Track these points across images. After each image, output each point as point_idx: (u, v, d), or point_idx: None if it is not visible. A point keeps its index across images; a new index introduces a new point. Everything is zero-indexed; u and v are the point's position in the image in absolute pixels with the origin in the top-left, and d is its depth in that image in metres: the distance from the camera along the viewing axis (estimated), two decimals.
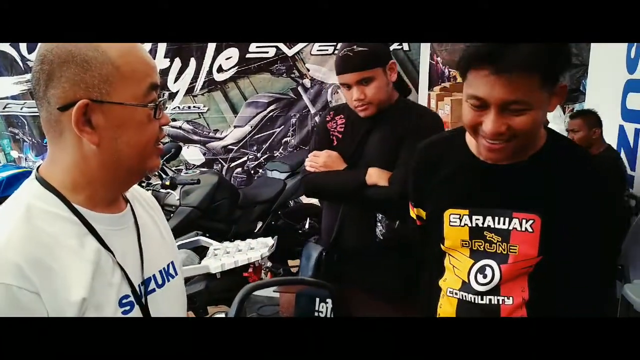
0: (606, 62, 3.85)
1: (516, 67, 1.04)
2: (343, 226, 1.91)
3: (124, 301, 0.87)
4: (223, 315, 2.32)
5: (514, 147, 1.14)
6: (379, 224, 1.85)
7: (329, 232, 1.94)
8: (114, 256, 0.87)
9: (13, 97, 4.88)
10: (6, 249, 0.76)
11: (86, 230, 0.85)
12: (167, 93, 4.87)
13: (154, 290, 0.95)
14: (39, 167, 0.89)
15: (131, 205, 0.97)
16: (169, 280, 1.00)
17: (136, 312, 0.90)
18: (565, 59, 1.10)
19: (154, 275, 0.96)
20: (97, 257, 0.85)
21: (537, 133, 1.19)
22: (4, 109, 4.96)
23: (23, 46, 4.78)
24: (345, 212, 1.90)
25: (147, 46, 4.44)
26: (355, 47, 1.76)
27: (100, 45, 0.82)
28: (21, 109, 4.93)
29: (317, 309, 1.33)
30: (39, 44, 0.84)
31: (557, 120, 4.99)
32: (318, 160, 1.89)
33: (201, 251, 2.95)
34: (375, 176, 1.78)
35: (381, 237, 1.85)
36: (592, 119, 3.59)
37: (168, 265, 1.01)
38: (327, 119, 2.00)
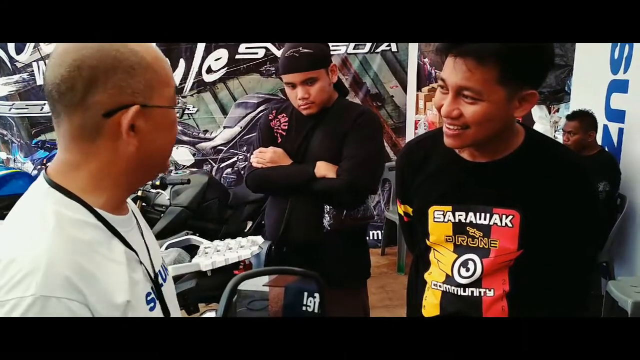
0: (590, 62, 3.89)
1: (473, 53, 1.07)
2: (291, 219, 1.97)
3: (148, 298, 0.89)
4: (214, 313, 2.35)
5: (473, 138, 1.16)
6: (326, 215, 1.94)
7: (277, 227, 2.01)
8: (137, 255, 0.88)
9: (0, 99, 4.85)
10: (52, 261, 0.74)
11: (111, 234, 0.85)
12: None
13: (162, 284, 0.96)
14: (46, 170, 0.87)
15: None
16: (167, 275, 1.02)
17: (157, 308, 0.91)
18: (533, 62, 1.11)
19: (159, 271, 0.97)
20: (126, 258, 0.85)
21: (497, 128, 1.17)
22: None
23: (11, 47, 4.75)
24: (293, 205, 1.97)
25: None
26: (300, 48, 1.84)
27: (138, 51, 0.82)
28: (9, 110, 4.90)
29: (305, 303, 1.36)
30: (63, 50, 0.81)
31: (543, 121, 5.06)
32: (265, 157, 1.96)
33: (192, 250, 2.96)
34: (324, 169, 1.87)
35: (329, 228, 1.94)
36: (588, 122, 3.50)
37: (162, 260, 1.04)
38: (270, 117, 2.07)
